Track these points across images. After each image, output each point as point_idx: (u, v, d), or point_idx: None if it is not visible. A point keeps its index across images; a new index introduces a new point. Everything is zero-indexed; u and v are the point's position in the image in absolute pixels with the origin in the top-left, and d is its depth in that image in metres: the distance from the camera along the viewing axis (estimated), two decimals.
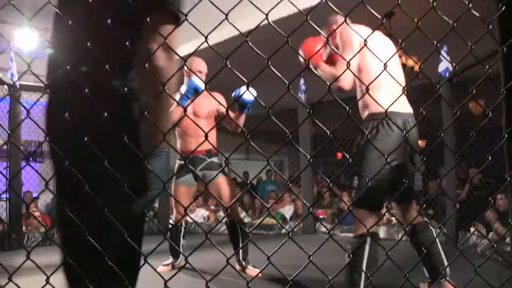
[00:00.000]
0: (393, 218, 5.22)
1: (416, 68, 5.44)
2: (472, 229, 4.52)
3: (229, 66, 0.91)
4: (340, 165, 9.71)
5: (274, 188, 8.21)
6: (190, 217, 1.18)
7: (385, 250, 1.09)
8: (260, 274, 2.74)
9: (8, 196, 4.99)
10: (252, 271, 3.21)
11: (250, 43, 0.93)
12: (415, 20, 1.07)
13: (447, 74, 4.70)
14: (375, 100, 1.64)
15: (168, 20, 1.04)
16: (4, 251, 4.57)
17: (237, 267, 3.25)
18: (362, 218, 2.12)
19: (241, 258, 3.27)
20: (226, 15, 0.96)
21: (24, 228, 5.33)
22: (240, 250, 3.27)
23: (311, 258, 0.98)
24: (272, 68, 0.93)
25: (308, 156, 0.98)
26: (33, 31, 5.99)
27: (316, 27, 1.06)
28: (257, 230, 6.20)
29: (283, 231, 6.12)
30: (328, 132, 0.97)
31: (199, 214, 6.95)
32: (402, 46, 1.16)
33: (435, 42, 1.08)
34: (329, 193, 6.79)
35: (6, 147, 4.95)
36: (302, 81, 6.17)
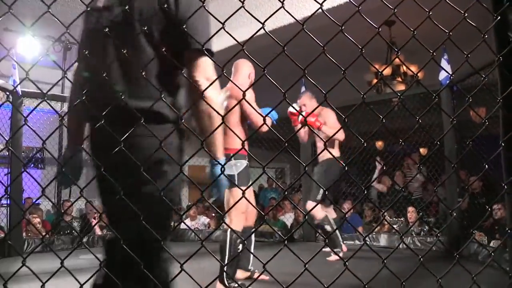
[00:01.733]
0: (394, 226, 5.18)
1: (420, 75, 5.47)
2: (472, 237, 4.49)
3: (225, 74, 0.91)
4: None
5: (275, 196, 8.19)
6: (186, 224, 1.18)
7: (381, 258, 1.09)
8: (266, 277, 2.78)
9: (8, 202, 4.98)
10: (257, 274, 3.23)
11: (246, 52, 0.94)
12: (412, 30, 1.08)
13: (448, 82, 4.71)
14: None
15: (203, 54, 1.24)
16: (4, 257, 4.55)
17: (241, 275, 3.25)
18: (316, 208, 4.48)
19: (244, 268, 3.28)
20: (223, 24, 0.97)
21: (24, 234, 5.33)
22: (251, 259, 3.31)
23: (307, 265, 0.98)
24: (268, 77, 0.93)
25: (304, 164, 0.98)
26: (35, 38, 6.03)
27: (313, 36, 1.07)
28: (258, 237, 6.18)
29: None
30: (324, 140, 0.97)
31: (200, 221, 6.92)
32: (399, 55, 1.17)
33: (431, 52, 1.08)
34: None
35: (7, 153, 4.93)
36: (303, 88, 6.15)
